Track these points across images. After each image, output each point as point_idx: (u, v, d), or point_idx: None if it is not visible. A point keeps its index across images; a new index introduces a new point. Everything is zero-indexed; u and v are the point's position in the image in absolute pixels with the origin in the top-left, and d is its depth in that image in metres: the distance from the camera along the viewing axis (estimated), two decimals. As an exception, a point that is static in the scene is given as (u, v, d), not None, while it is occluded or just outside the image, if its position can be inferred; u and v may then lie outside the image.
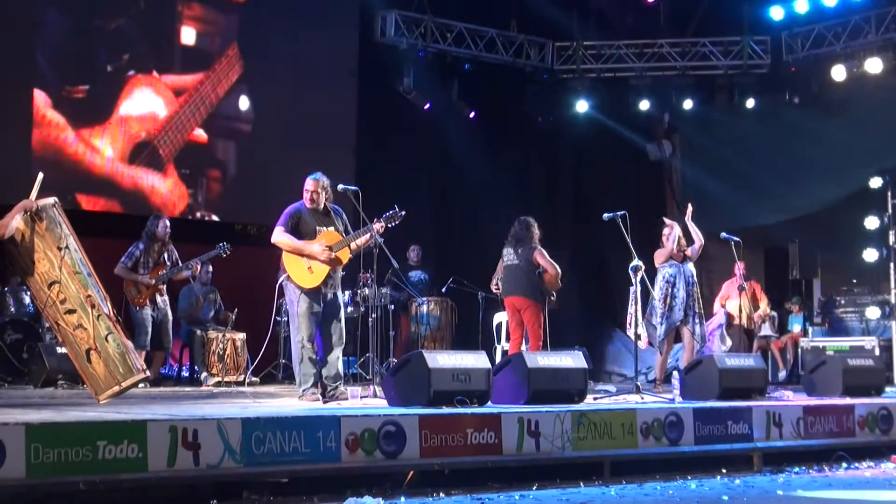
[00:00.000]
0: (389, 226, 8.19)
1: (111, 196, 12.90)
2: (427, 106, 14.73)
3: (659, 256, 10.37)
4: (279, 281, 8.20)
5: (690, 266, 10.35)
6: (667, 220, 10.49)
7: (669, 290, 10.19)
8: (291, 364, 8.35)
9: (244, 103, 14.02)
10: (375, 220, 8.13)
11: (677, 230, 10.27)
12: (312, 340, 7.96)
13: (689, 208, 10.39)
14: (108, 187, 12.84)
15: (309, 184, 8.07)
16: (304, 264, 7.92)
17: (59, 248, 6.77)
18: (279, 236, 7.96)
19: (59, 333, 7.09)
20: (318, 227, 8.02)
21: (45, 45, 12.72)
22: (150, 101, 13.21)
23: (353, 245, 8.04)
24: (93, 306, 6.70)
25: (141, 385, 7.95)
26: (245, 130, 14.12)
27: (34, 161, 12.07)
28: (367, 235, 8.05)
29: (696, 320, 10.27)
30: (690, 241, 10.38)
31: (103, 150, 12.79)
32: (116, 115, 12.93)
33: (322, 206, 8.08)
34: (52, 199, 6.97)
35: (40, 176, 7.07)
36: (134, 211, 12.60)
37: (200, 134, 13.66)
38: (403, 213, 8.21)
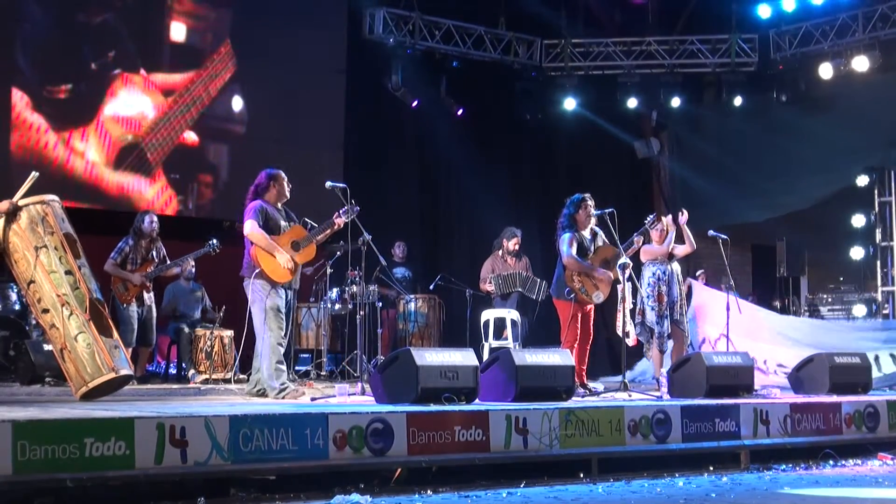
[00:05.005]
0: (347, 221, 8.31)
1: (96, 202, 12.32)
2: (415, 103, 14.71)
3: (648, 254, 10.34)
4: (245, 280, 8.16)
5: (676, 265, 10.37)
6: (664, 219, 10.42)
7: (664, 288, 10.18)
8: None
9: (237, 103, 13.54)
10: (335, 214, 8.27)
11: (673, 233, 10.24)
12: (282, 336, 8.06)
13: (685, 213, 10.36)
14: (92, 193, 12.29)
15: (284, 176, 8.27)
16: (277, 259, 8.02)
17: (36, 248, 6.74)
18: (254, 230, 8.04)
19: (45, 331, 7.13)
20: (282, 224, 8.16)
21: (24, 42, 12.11)
22: (138, 101, 12.70)
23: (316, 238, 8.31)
24: (64, 305, 6.67)
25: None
26: (238, 131, 13.62)
27: (12, 165, 11.64)
28: (329, 230, 8.28)
29: (686, 319, 10.32)
30: (681, 243, 10.38)
31: (87, 153, 12.26)
32: (101, 116, 12.40)
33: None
34: (36, 198, 6.90)
35: (33, 174, 6.97)
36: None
37: (191, 136, 13.16)
38: (358, 208, 8.31)
